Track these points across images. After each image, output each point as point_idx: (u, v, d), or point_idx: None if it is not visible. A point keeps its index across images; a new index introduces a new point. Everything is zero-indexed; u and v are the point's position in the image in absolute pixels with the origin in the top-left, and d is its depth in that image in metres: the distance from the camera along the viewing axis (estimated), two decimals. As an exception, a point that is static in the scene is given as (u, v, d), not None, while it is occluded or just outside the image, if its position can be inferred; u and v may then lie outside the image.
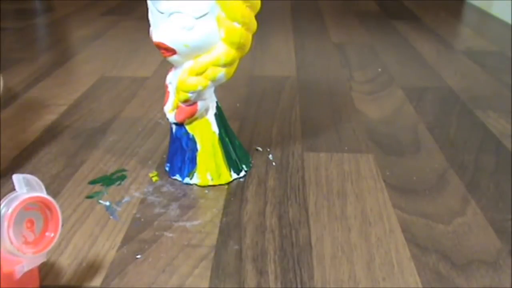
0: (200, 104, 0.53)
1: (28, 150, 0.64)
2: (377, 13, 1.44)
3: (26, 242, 0.37)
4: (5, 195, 0.36)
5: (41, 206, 0.38)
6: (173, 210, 0.52)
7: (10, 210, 0.35)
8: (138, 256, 0.45)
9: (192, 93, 0.51)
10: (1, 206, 0.35)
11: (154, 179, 0.58)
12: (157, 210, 0.52)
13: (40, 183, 0.38)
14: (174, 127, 0.56)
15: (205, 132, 0.55)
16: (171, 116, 0.55)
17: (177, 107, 0.54)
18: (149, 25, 0.51)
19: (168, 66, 0.55)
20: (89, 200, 0.54)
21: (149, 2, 0.49)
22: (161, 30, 0.49)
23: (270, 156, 0.63)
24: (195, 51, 0.49)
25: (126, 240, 0.47)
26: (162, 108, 0.56)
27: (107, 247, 0.47)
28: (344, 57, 1.04)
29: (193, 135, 0.55)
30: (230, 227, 0.50)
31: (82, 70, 0.95)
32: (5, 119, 0.73)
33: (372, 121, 0.74)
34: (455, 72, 0.95)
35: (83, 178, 0.58)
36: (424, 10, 1.48)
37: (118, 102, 0.79)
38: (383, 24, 1.32)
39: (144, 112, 0.76)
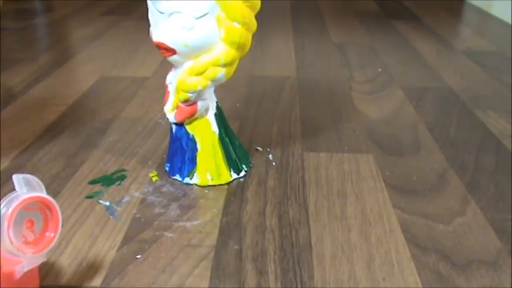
0: (200, 104, 0.53)
1: (28, 150, 0.64)
2: (377, 13, 1.44)
3: (26, 242, 0.37)
4: (5, 195, 0.36)
5: (41, 206, 0.38)
6: (173, 210, 0.52)
7: (10, 210, 0.35)
8: (138, 256, 0.45)
9: (192, 93, 0.51)
10: (1, 206, 0.35)
11: (154, 179, 0.58)
12: (157, 210, 0.52)
13: (40, 183, 0.38)
14: (174, 127, 0.56)
15: (205, 132, 0.55)
16: (171, 116, 0.55)
17: (177, 107, 0.54)
18: (149, 25, 0.51)
19: (168, 66, 0.55)
20: (89, 200, 0.54)
21: (149, 2, 0.49)
22: (161, 30, 0.49)
23: (270, 156, 0.63)
24: (195, 51, 0.49)
25: (126, 240, 0.47)
26: (162, 108, 0.56)
27: (107, 247, 0.47)
28: (344, 57, 1.04)
29: (193, 135, 0.55)
30: (230, 227, 0.50)
31: (82, 70, 0.95)
32: (5, 119, 0.73)
33: (372, 121, 0.74)
34: (455, 72, 0.95)
35: (83, 178, 0.58)
36: (424, 10, 1.48)
37: (118, 102, 0.79)
38: (383, 24, 1.32)
39: (144, 112, 0.76)
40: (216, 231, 0.49)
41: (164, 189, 0.56)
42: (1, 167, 0.60)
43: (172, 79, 0.53)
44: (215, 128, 0.56)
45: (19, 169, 0.59)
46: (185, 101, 0.52)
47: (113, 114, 0.75)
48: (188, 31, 0.48)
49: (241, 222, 0.50)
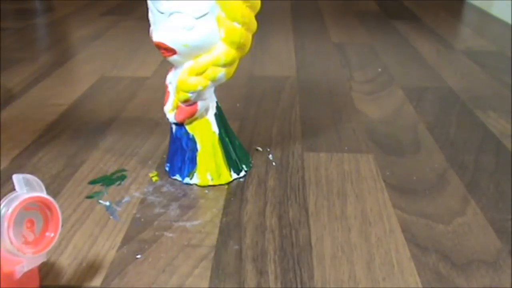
0: (200, 104, 0.53)
1: (28, 150, 0.64)
2: (377, 13, 1.44)
3: (26, 242, 0.37)
4: (5, 195, 0.36)
5: (41, 206, 0.38)
6: (173, 210, 0.52)
7: (10, 210, 0.35)
8: (138, 256, 0.45)
9: (192, 93, 0.51)
10: (1, 206, 0.35)
11: (154, 179, 0.58)
12: (157, 210, 0.52)
13: (40, 183, 0.38)
14: (174, 127, 0.56)
15: (205, 132, 0.55)
16: (171, 116, 0.55)
17: (177, 107, 0.54)
18: (149, 25, 0.51)
19: (168, 66, 0.55)
20: (89, 200, 0.54)
21: (149, 2, 0.49)
22: (161, 30, 0.49)
23: (270, 156, 0.63)
24: (195, 51, 0.49)
25: (126, 240, 0.47)
26: (162, 108, 0.56)
27: (107, 247, 0.47)
28: (344, 57, 1.04)
29: (193, 135, 0.55)
30: (230, 227, 0.50)
31: (82, 70, 0.95)
32: (5, 119, 0.73)
33: (372, 121, 0.74)
34: (455, 72, 0.95)
35: (83, 178, 0.58)
36: (424, 10, 1.48)
37: (118, 102, 0.79)
38: (383, 24, 1.32)
39: (144, 112, 0.76)
40: (216, 231, 0.49)
41: (164, 189, 0.56)
42: (1, 167, 0.60)
43: (172, 79, 0.53)
44: (215, 128, 0.56)
45: (19, 169, 0.59)
46: (185, 101, 0.52)
47: (113, 114, 0.75)
48: (188, 31, 0.48)
49: (241, 222, 0.50)
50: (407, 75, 0.93)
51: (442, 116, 0.76)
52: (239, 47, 0.50)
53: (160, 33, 0.49)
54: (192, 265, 0.44)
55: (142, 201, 0.54)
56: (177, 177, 0.57)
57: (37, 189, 0.38)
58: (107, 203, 0.53)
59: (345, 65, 0.98)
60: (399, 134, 0.70)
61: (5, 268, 0.35)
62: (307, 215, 0.52)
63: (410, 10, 1.49)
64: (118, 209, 0.52)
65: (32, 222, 0.37)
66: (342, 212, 0.52)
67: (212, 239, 0.48)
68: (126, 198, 0.54)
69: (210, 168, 0.56)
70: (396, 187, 0.57)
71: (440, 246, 0.47)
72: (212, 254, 0.46)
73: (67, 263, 0.45)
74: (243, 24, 0.48)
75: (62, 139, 0.67)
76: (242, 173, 0.58)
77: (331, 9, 1.49)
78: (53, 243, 0.38)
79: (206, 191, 0.56)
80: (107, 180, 0.57)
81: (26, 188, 0.37)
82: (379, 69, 0.96)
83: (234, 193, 0.55)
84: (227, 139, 0.57)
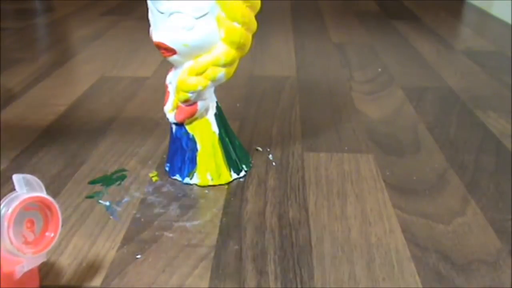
0: (200, 104, 0.53)
1: (28, 150, 0.64)
2: (377, 13, 1.44)
3: (26, 242, 0.37)
4: (5, 195, 0.36)
5: (41, 206, 0.38)
6: (173, 210, 0.52)
7: (10, 210, 0.35)
8: (138, 256, 0.45)
9: (192, 93, 0.51)
10: (1, 206, 0.35)
11: (154, 179, 0.58)
12: (157, 210, 0.52)
13: (40, 183, 0.38)
14: (174, 127, 0.56)
15: (205, 132, 0.55)
16: (171, 116, 0.55)
17: (177, 107, 0.54)
18: (149, 25, 0.51)
19: (168, 66, 0.55)
20: (89, 200, 0.54)
21: (149, 2, 0.49)
22: (161, 30, 0.49)
23: (270, 156, 0.63)
24: (195, 51, 0.49)
25: (126, 240, 0.47)
26: (162, 108, 0.56)
27: (107, 247, 0.47)
28: (344, 57, 1.04)
29: (193, 135, 0.55)
30: (230, 227, 0.50)
31: (82, 70, 0.95)
32: (5, 119, 0.73)
33: (372, 121, 0.74)
34: (455, 72, 0.95)
35: (83, 178, 0.58)
36: (424, 10, 1.48)
37: (118, 102, 0.79)
38: (383, 24, 1.32)
39: (144, 112, 0.76)
40: (216, 231, 0.49)
41: (164, 189, 0.56)
42: (1, 167, 0.60)
43: (172, 79, 0.53)
44: (215, 128, 0.56)
45: (19, 169, 0.59)
46: (185, 101, 0.52)
47: (113, 114, 0.75)
48: (188, 31, 0.48)
49: (241, 222, 0.50)
50: (407, 75, 0.93)
51: (442, 116, 0.76)
52: (239, 47, 0.50)
53: (160, 33, 0.49)
54: (192, 265, 0.44)
55: (142, 201, 0.54)
56: (177, 177, 0.57)
57: (37, 189, 0.38)
58: (107, 203, 0.53)
59: (345, 65, 0.99)
60: (399, 134, 0.70)
61: (5, 268, 0.35)
62: (307, 215, 0.52)
63: (410, 10, 1.49)
64: (118, 209, 0.52)
65: (32, 222, 0.37)
66: (342, 212, 0.52)
67: (212, 239, 0.48)
68: (126, 198, 0.54)
69: (210, 168, 0.56)
70: (396, 187, 0.57)
71: (440, 246, 0.47)
72: (212, 254, 0.46)
73: (67, 263, 0.45)
74: (243, 24, 0.48)
75: (62, 139, 0.67)
76: (242, 173, 0.58)
77: (331, 9, 1.49)
78: (53, 243, 0.38)
79: (206, 191, 0.56)
80: (107, 180, 0.57)
81: (26, 188, 0.37)
82: (379, 69, 0.96)
83: (234, 193, 0.55)
84: (227, 139, 0.57)
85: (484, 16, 1.43)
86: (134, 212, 0.52)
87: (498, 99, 0.83)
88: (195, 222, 0.50)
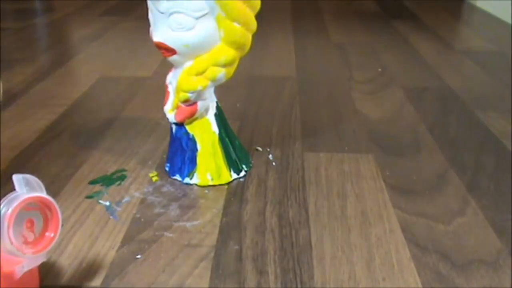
0: (200, 104, 0.53)
1: (28, 150, 0.64)
2: (377, 13, 1.44)
3: (26, 242, 0.37)
4: (5, 195, 0.36)
5: (41, 206, 0.38)
6: (173, 210, 0.52)
7: (10, 210, 0.35)
8: (138, 256, 0.45)
9: (192, 93, 0.51)
10: (1, 206, 0.35)
11: (154, 179, 0.58)
12: (157, 210, 0.52)
13: (40, 183, 0.38)
14: (174, 127, 0.56)
15: (205, 132, 0.55)
16: (171, 116, 0.55)
17: (177, 107, 0.54)
18: (149, 25, 0.51)
19: (168, 66, 0.55)
20: (89, 200, 0.54)
21: (149, 2, 0.49)
22: (161, 30, 0.49)
23: (270, 156, 0.63)
24: (195, 51, 0.50)
25: (126, 240, 0.47)
26: (162, 108, 0.56)
27: (107, 247, 0.47)
28: (344, 57, 1.04)
29: (193, 135, 0.55)
30: (230, 227, 0.50)
31: (82, 70, 0.95)
32: (5, 119, 0.73)
33: (372, 121, 0.74)
34: (455, 72, 0.95)
35: (83, 178, 0.58)
36: (424, 10, 1.48)
37: (118, 102, 0.79)
38: (383, 24, 1.32)
39: (144, 112, 0.76)
40: (216, 231, 0.49)
41: (164, 189, 0.56)
42: (1, 167, 0.60)
43: (172, 79, 0.54)
44: (215, 128, 0.56)
45: (19, 169, 0.59)
46: (185, 101, 0.52)
47: (113, 114, 0.75)
48: (188, 31, 0.48)
49: (241, 222, 0.50)
50: (407, 75, 0.93)
51: (442, 116, 0.76)
52: (239, 47, 0.50)
53: (160, 33, 0.49)
54: (192, 265, 0.44)
55: (142, 201, 0.54)
56: (177, 177, 0.57)
57: (37, 189, 0.38)
58: (107, 203, 0.53)
59: (345, 65, 0.98)
60: (399, 134, 0.70)
61: (5, 268, 0.35)
62: (307, 215, 0.52)
63: (410, 10, 1.49)
64: (118, 209, 0.52)
65: (32, 222, 0.37)
66: (342, 212, 0.52)
67: (212, 239, 0.48)
68: (126, 198, 0.54)
69: (210, 168, 0.56)
70: (396, 187, 0.57)
71: (440, 246, 0.47)
72: (212, 254, 0.46)
73: (67, 263, 0.45)
74: (243, 24, 0.48)
75: (62, 139, 0.67)
76: (242, 173, 0.58)
77: (331, 9, 1.49)
78: (53, 243, 0.38)
79: (206, 191, 0.56)
80: (107, 180, 0.57)
81: (26, 188, 0.37)
82: (379, 69, 0.96)
83: (234, 193, 0.55)
84: (227, 139, 0.57)
85: (484, 16, 1.43)
86: (134, 212, 0.52)
87: (498, 99, 0.83)
88: (195, 222, 0.50)
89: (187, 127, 0.55)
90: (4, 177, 0.57)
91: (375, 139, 0.68)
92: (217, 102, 0.56)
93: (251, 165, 0.61)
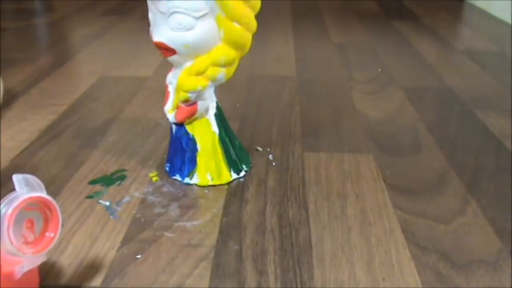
0: (200, 104, 0.53)
1: (28, 150, 0.64)
2: (377, 13, 1.44)
3: (26, 242, 0.37)
4: (5, 195, 0.36)
5: (41, 206, 0.38)
6: (173, 210, 0.52)
7: (10, 210, 0.35)
8: (138, 256, 0.45)
9: (192, 93, 0.51)
10: (1, 206, 0.35)
11: (154, 179, 0.58)
12: (157, 210, 0.52)
13: (40, 183, 0.38)
14: (174, 127, 0.56)
15: (205, 132, 0.55)
16: (171, 116, 0.55)
17: (177, 107, 0.54)
18: (149, 25, 0.51)
19: (168, 66, 0.55)
20: (89, 200, 0.54)
21: (149, 2, 0.49)
22: (161, 30, 0.49)
23: (270, 156, 0.63)
24: (195, 51, 0.49)
25: (126, 240, 0.47)
26: (162, 108, 0.56)
27: (107, 247, 0.47)
28: (344, 57, 1.04)
29: (193, 135, 0.55)
30: (230, 227, 0.50)
31: (82, 70, 0.95)
32: (5, 119, 0.73)
33: (372, 121, 0.74)
34: (455, 72, 0.95)
35: (83, 178, 0.58)
36: (424, 10, 1.48)
37: (118, 102, 0.79)
38: (383, 24, 1.32)
39: (144, 112, 0.76)
40: (216, 231, 0.49)
41: (164, 189, 0.56)
42: (1, 167, 0.60)
43: (172, 79, 0.53)
44: (215, 128, 0.56)
45: (19, 169, 0.59)
46: (185, 101, 0.52)
47: (113, 114, 0.75)
48: (188, 31, 0.48)
49: (241, 222, 0.50)
50: (407, 75, 0.93)
51: (442, 116, 0.76)
52: (239, 47, 0.50)
53: (160, 33, 0.49)
54: (192, 265, 0.44)
55: (142, 201, 0.54)
56: (177, 177, 0.57)
57: (37, 189, 0.38)
58: (107, 203, 0.53)
59: (345, 65, 0.98)
60: (399, 134, 0.70)
61: (5, 268, 0.35)
62: (307, 215, 0.52)
63: (410, 10, 1.49)
64: (118, 209, 0.52)
65: (32, 222, 0.37)
66: (342, 212, 0.52)
67: (212, 239, 0.48)
68: (126, 198, 0.54)
69: (210, 168, 0.56)
70: (396, 187, 0.57)
71: (440, 246, 0.47)
72: (212, 254, 0.46)
73: (67, 263, 0.45)
74: (243, 24, 0.48)
75: (62, 139, 0.67)
76: (242, 173, 0.58)
77: (331, 9, 1.49)
78: (53, 243, 0.38)
79: (206, 191, 0.56)
80: (107, 180, 0.57)
81: (26, 188, 0.37)
82: (379, 69, 0.96)
83: (234, 193, 0.55)
84: (227, 139, 0.57)
85: (484, 16, 1.43)
86: (134, 212, 0.52)
87: (498, 99, 0.83)
88: (195, 222, 0.50)
89: (187, 127, 0.55)
90: (4, 177, 0.57)
91: (375, 139, 0.68)
92: (217, 102, 0.56)
93: (251, 165, 0.61)
